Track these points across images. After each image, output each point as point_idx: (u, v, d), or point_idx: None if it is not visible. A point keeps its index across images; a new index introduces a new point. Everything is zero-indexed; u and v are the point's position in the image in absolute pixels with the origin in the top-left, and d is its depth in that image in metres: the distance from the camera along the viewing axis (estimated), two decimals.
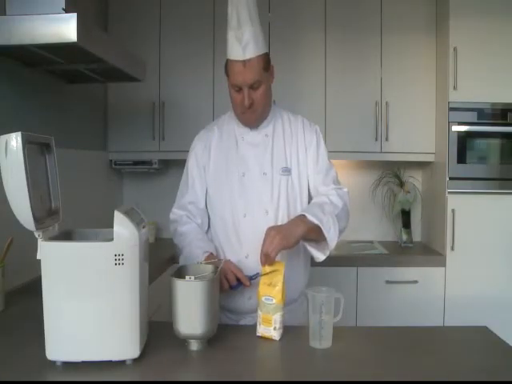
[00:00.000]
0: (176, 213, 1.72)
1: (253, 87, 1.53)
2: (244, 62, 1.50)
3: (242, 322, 1.62)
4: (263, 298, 1.37)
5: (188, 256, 1.58)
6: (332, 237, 1.50)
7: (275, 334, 1.34)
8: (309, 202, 1.68)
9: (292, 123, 1.70)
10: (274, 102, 1.72)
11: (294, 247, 1.45)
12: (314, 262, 1.66)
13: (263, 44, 1.55)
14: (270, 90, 1.62)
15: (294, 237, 1.43)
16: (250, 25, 1.51)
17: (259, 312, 1.37)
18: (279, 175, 1.62)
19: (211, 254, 1.55)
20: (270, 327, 1.34)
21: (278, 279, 1.38)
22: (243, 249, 1.60)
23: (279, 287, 1.37)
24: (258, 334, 1.37)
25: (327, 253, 1.54)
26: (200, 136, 1.74)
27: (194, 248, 1.58)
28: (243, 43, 1.49)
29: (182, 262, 1.63)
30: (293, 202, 1.64)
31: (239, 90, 1.54)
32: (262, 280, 1.39)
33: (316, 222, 1.46)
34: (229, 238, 1.63)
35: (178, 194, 1.74)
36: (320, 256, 1.54)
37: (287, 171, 1.63)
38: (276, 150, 1.65)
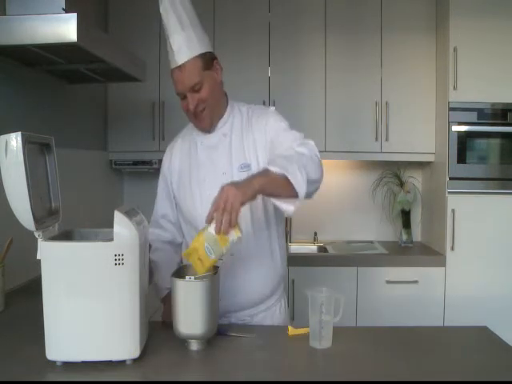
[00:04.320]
0: (151, 233, 1.61)
1: (194, 90, 1.49)
2: (180, 68, 1.48)
3: (234, 321, 1.61)
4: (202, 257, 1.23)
5: (156, 287, 1.66)
6: (300, 184, 1.30)
7: (239, 235, 1.25)
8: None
9: (249, 116, 1.62)
10: (226, 95, 1.64)
11: (252, 199, 1.27)
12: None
13: (200, 45, 1.50)
14: (217, 88, 1.56)
15: (252, 188, 1.25)
16: (179, 30, 1.48)
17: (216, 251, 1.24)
18: (238, 172, 1.55)
19: None
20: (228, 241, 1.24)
21: (201, 250, 1.23)
22: None
23: (206, 258, 1.23)
24: (234, 239, 1.24)
25: (297, 204, 1.34)
26: (166, 150, 1.72)
27: (159, 282, 1.65)
28: (175, 50, 1.48)
29: (154, 288, 1.65)
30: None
31: (184, 97, 1.52)
32: (192, 260, 1.25)
33: (280, 171, 1.28)
34: None
35: (154, 207, 1.74)
36: (289, 208, 1.34)
37: (246, 167, 1.56)
38: (234, 147, 1.59)
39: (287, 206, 1.34)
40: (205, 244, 1.23)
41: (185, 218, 1.66)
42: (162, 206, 1.71)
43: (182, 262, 1.68)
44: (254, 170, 1.51)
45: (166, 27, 1.50)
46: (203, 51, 1.52)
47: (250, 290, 1.58)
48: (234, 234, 1.24)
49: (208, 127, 1.60)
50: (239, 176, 1.50)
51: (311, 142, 1.46)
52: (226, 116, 1.63)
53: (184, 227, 1.68)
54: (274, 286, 1.65)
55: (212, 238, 1.23)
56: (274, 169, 1.29)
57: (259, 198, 1.38)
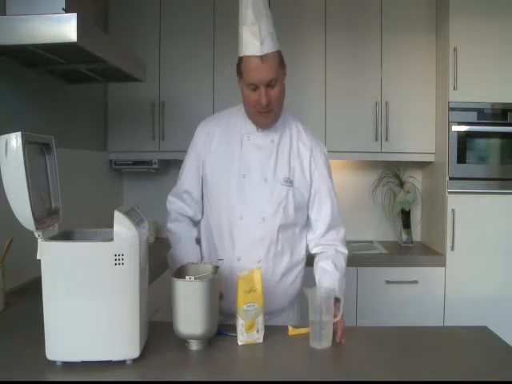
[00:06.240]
0: (170, 201, 1.70)
1: (270, 85, 1.47)
2: (261, 58, 1.44)
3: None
4: (245, 306, 1.31)
5: (174, 258, 1.63)
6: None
7: (259, 337, 1.32)
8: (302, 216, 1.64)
9: (301, 138, 1.63)
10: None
11: None
12: (309, 262, 1.67)
13: (277, 41, 1.51)
14: (284, 90, 1.56)
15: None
16: (266, 19, 1.46)
17: (241, 321, 1.31)
18: (280, 184, 1.57)
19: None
20: (253, 331, 1.31)
21: (257, 283, 1.33)
22: (236, 251, 1.56)
23: (259, 291, 1.33)
24: (240, 343, 1.31)
25: None
26: (204, 125, 1.67)
27: (178, 254, 1.62)
28: (261, 38, 1.44)
29: (168, 259, 1.68)
30: (291, 214, 1.58)
31: (255, 88, 1.47)
32: (240, 287, 1.32)
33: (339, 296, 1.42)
34: (223, 239, 1.59)
35: (178, 178, 1.71)
36: None
37: (289, 182, 1.58)
38: (280, 158, 1.59)
39: None
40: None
41: (211, 200, 1.63)
42: (187, 181, 1.67)
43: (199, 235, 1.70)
44: (295, 189, 1.58)
45: (252, 13, 1.45)
46: (280, 49, 1.52)
47: (269, 301, 1.49)
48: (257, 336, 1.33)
49: (269, 125, 1.59)
50: (280, 188, 1.57)
51: (343, 231, 1.77)
52: (279, 123, 1.62)
53: (207, 204, 1.66)
54: (292, 299, 1.65)
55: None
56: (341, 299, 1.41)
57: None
